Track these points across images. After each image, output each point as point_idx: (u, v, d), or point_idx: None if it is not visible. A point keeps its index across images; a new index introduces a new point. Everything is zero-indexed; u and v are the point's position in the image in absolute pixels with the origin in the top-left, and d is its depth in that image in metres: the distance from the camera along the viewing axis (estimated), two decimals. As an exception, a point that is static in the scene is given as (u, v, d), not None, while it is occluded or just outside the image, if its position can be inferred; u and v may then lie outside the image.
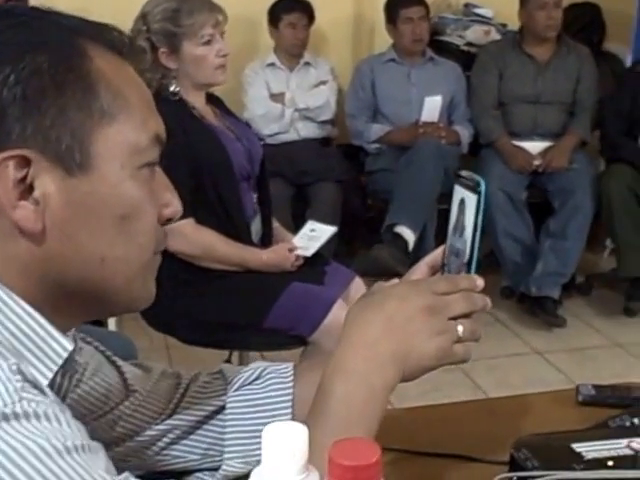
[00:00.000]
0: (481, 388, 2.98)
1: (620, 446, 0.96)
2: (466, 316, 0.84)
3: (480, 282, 0.86)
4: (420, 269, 0.94)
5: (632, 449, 0.96)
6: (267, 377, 1.00)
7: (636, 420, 1.03)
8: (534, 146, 3.75)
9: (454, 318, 0.83)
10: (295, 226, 3.05)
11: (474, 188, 0.85)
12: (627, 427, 1.05)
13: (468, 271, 0.86)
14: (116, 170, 0.77)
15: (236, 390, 1.00)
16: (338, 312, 2.21)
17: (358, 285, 2.46)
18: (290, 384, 0.98)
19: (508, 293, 3.71)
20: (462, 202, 0.87)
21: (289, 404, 0.97)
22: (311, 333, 2.23)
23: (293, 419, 0.95)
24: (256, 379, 1.00)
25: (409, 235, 3.35)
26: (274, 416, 0.97)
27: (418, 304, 0.82)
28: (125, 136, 0.77)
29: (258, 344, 2.40)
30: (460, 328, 0.83)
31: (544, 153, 3.72)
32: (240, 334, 2.30)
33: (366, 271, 3.14)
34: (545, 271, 3.52)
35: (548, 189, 3.70)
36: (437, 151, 3.50)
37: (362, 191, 3.89)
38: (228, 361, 2.48)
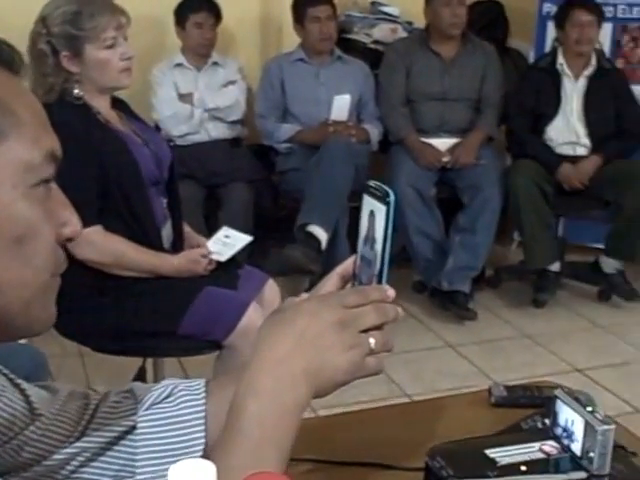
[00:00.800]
0: (397, 383, 3.00)
1: (533, 450, 0.98)
2: (378, 328, 0.84)
3: (391, 292, 0.85)
4: (332, 279, 0.94)
5: (544, 452, 0.97)
6: (178, 394, 0.97)
7: (547, 421, 1.04)
8: (442, 142, 3.80)
9: (366, 330, 0.83)
10: (207, 228, 3.02)
11: (383, 199, 0.85)
12: (539, 429, 1.07)
13: (379, 281, 0.86)
14: (7, 190, 0.74)
15: (147, 409, 0.97)
16: (252, 314, 2.20)
17: (272, 287, 2.46)
18: (202, 401, 0.96)
19: (420, 288, 3.76)
20: (372, 213, 0.87)
21: (202, 421, 0.96)
22: (226, 337, 2.22)
23: (207, 436, 0.93)
24: (167, 397, 0.98)
25: (321, 234, 3.35)
26: (187, 434, 0.95)
27: (328, 319, 0.82)
28: (16, 154, 0.74)
29: (173, 350, 2.38)
30: (372, 340, 0.83)
31: (452, 149, 3.78)
32: (154, 341, 2.27)
33: (279, 271, 3.15)
34: (456, 266, 3.57)
35: (457, 185, 3.75)
36: (347, 150, 3.51)
37: (274, 191, 3.88)
38: (142, 368, 2.44)
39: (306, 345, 0.81)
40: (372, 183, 0.88)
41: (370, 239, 0.88)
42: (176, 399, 0.97)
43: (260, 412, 0.79)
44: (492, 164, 3.75)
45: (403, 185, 3.59)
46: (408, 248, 3.68)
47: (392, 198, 0.85)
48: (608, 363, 3.25)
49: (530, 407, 1.18)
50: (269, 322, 0.85)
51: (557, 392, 1.00)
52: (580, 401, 0.97)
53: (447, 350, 3.32)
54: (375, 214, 0.87)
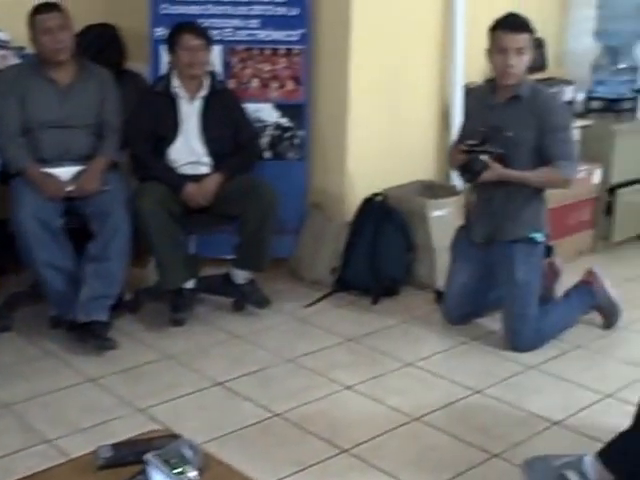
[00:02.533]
0: (36, 430, 2.90)
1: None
2: None
3: None
4: None
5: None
6: None
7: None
8: (65, 171, 3.72)
9: None
10: None
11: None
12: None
13: None
14: None
15: None
16: None
17: None
18: None
19: (56, 323, 3.66)
20: None
21: None
22: None
23: None
24: None
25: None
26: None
27: None
28: None
29: None
30: None
31: (76, 177, 3.72)
32: None
33: None
34: (91, 296, 3.52)
35: (85, 213, 3.69)
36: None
37: None
38: None
39: None
40: None
41: None
42: None
43: None
44: (118, 189, 3.74)
45: (27, 218, 3.48)
46: (40, 283, 3.58)
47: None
48: (247, 372, 3.40)
49: (138, 464, 1.20)
50: None
51: (148, 457, 1.03)
52: (170, 463, 1.01)
53: (89, 385, 3.26)
54: None
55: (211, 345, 3.66)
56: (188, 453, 1.14)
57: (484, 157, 3.47)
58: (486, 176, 3.49)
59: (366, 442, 2.87)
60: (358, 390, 3.26)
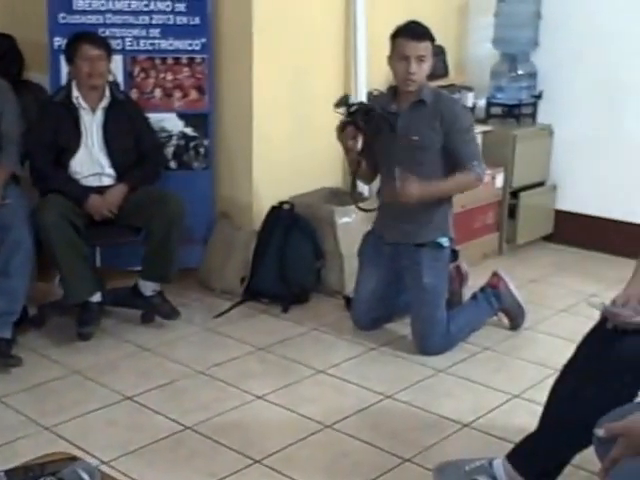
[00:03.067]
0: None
1: None
2: None
3: None
4: None
5: None
6: None
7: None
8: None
9: None
10: None
11: None
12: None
13: None
14: None
15: None
16: None
17: None
18: None
19: (-43, 342, 3.54)
20: None
21: None
22: None
23: None
24: None
25: None
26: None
27: None
28: None
29: None
30: None
31: (-26, 191, 3.61)
32: None
33: None
34: (-7, 313, 3.43)
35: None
36: None
37: None
38: None
39: None
40: None
41: None
42: None
43: None
44: (19, 203, 3.64)
45: None
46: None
47: None
48: (157, 385, 3.35)
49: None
50: None
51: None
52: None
53: (-7, 404, 3.17)
54: None
55: (119, 359, 3.60)
56: (84, 476, 1.10)
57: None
58: (408, 197, 3.52)
59: (278, 452, 2.85)
60: (270, 399, 3.24)
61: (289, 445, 2.90)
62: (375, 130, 3.51)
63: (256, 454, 2.83)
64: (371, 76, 4.63)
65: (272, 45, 4.28)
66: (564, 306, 4.22)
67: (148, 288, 3.89)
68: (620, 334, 2.34)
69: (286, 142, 4.45)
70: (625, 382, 2.26)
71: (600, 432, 1.90)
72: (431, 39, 3.56)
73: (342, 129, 3.50)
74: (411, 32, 3.52)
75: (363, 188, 4.32)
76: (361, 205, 3.86)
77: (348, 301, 4.08)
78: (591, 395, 2.27)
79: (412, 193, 3.50)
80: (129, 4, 4.17)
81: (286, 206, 4.29)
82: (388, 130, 3.55)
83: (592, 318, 2.46)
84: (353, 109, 3.47)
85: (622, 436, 1.84)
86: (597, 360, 2.32)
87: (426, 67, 3.56)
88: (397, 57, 3.55)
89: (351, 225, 4.25)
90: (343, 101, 3.49)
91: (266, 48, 4.26)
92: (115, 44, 4.05)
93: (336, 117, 3.49)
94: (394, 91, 3.68)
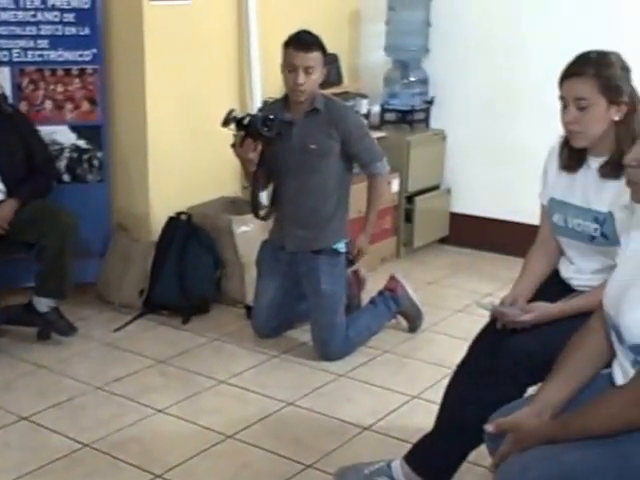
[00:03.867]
0: None
1: None
2: None
3: None
4: None
5: None
6: None
7: None
8: None
9: None
10: None
11: None
12: None
13: None
14: None
15: None
16: None
17: None
18: None
19: None
20: None
21: None
22: None
23: None
24: None
25: None
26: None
27: None
28: None
29: None
30: None
31: None
32: None
33: None
34: None
35: None
36: None
37: None
38: None
39: None
40: None
41: None
42: None
43: None
44: None
45: None
46: None
47: None
48: (54, 403, 3.28)
49: None
50: None
51: None
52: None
53: None
54: None
55: (15, 378, 3.51)
56: None
57: None
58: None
59: (180, 465, 2.83)
60: (170, 412, 3.22)
61: (190, 458, 2.88)
62: (276, 137, 3.52)
63: (157, 468, 2.80)
64: (266, 84, 4.64)
65: (165, 55, 4.25)
66: (460, 306, 4.32)
67: (43, 304, 3.80)
68: (509, 333, 2.42)
69: (182, 153, 4.43)
70: (515, 379, 2.33)
71: (489, 428, 1.95)
72: (321, 49, 3.58)
73: (241, 144, 3.49)
74: (300, 43, 3.53)
75: (262, 197, 4.32)
76: (262, 214, 3.86)
77: (249, 310, 4.08)
78: (483, 392, 2.33)
79: (365, 251, 3.88)
80: (15, 14, 4.07)
81: (183, 217, 4.26)
82: (288, 137, 3.58)
83: (487, 317, 2.54)
84: (247, 121, 3.46)
85: (510, 432, 1.90)
86: (487, 359, 2.39)
87: (315, 77, 3.58)
88: (287, 67, 3.57)
89: (250, 234, 4.25)
90: (231, 118, 3.47)
91: (159, 58, 4.22)
92: (2, 56, 3.95)
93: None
94: (287, 99, 3.71)
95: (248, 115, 3.52)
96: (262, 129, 3.44)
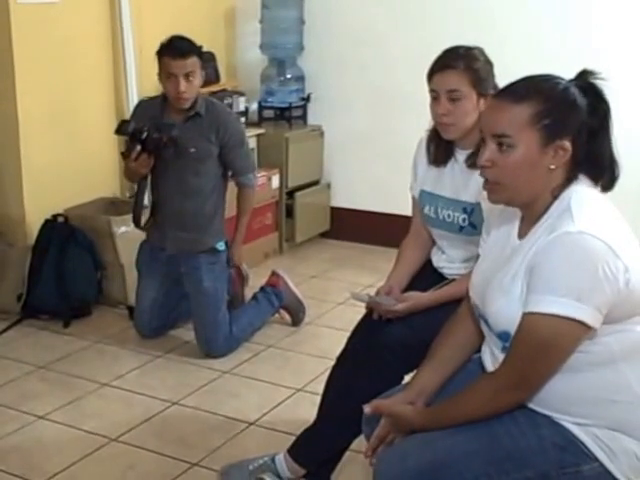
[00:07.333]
0: None
1: None
2: None
3: None
4: None
5: None
6: None
7: None
8: None
9: None
10: None
11: None
12: None
13: None
14: None
15: None
16: None
17: None
18: None
19: None
20: None
21: None
22: None
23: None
24: None
25: None
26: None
27: None
28: None
29: None
30: None
31: None
32: None
33: None
34: None
35: None
36: None
37: None
38: None
39: None
40: None
41: None
42: None
43: None
44: None
45: None
46: None
47: None
48: None
49: None
50: None
51: None
52: None
53: None
54: None
55: None
56: None
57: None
58: None
59: (63, 471, 2.80)
60: (52, 418, 3.16)
61: (73, 463, 2.85)
62: (166, 153, 3.54)
63: (38, 477, 2.75)
64: (142, 85, 4.60)
65: (36, 56, 4.15)
66: (342, 299, 4.39)
67: None
68: (384, 323, 2.49)
69: (56, 154, 4.34)
70: (392, 367, 2.40)
71: (367, 409, 2.00)
72: (197, 53, 3.56)
73: (136, 158, 3.47)
74: (175, 50, 3.48)
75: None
76: (142, 223, 3.81)
77: (131, 311, 4.04)
78: (362, 383, 2.39)
79: (240, 261, 3.93)
80: None
81: (60, 219, 4.19)
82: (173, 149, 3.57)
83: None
84: (143, 137, 3.45)
85: (386, 415, 1.96)
86: (365, 349, 2.46)
87: (197, 82, 3.56)
88: (165, 75, 3.52)
89: (130, 234, 4.20)
90: (126, 131, 3.45)
91: (30, 59, 4.12)
92: None
93: (108, 128, 3.43)
94: (165, 99, 3.66)
95: (144, 130, 3.47)
96: (162, 149, 3.50)
